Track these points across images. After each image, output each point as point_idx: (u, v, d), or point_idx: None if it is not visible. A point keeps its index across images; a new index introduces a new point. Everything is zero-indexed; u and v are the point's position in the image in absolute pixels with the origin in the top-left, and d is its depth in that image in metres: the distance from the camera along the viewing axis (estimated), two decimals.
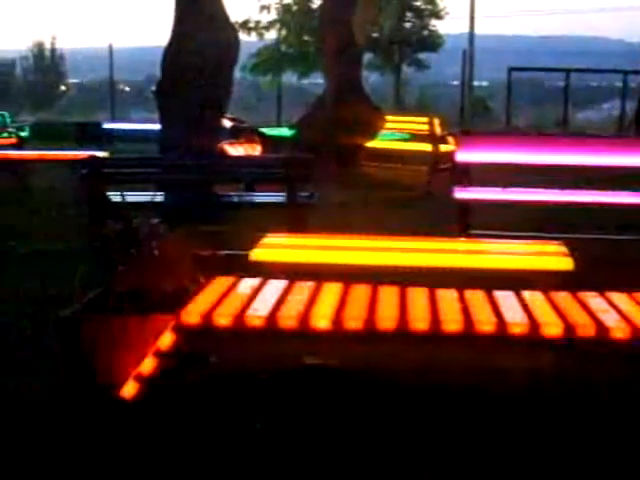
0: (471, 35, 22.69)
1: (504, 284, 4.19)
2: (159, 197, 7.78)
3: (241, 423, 3.77)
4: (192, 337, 3.76)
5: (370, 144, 13.90)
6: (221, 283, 4.17)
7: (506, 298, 3.96)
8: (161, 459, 3.48)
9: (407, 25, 33.38)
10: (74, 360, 4.07)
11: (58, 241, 7.64)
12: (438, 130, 13.66)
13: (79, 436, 3.66)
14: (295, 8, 31.87)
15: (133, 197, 6.94)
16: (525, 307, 3.81)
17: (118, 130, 16.45)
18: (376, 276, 4.48)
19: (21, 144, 13.61)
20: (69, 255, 6.96)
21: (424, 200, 10.40)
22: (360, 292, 4.05)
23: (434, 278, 4.51)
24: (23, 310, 5.54)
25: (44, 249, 7.37)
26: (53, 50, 44.71)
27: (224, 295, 3.98)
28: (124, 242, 4.22)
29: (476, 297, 3.97)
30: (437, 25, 33.53)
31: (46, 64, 44.21)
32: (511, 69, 19.61)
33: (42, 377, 4.34)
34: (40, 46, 44.41)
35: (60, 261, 6.81)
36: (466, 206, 7.42)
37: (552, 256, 4.97)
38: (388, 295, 4.00)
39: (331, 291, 4.06)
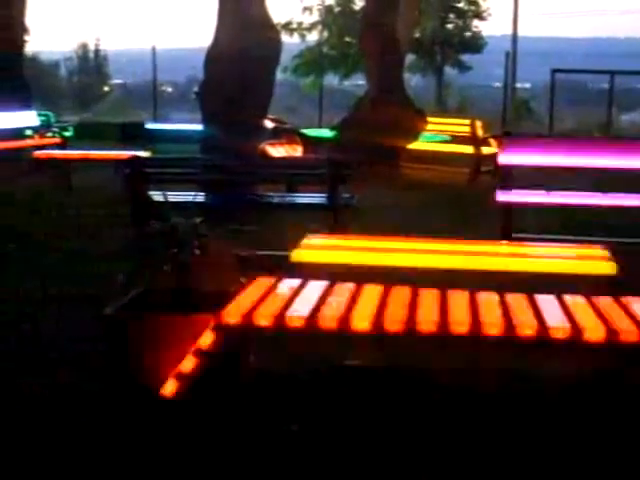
0: (514, 36, 22.55)
1: (546, 288, 4.16)
2: (200, 197, 7.82)
3: (278, 423, 3.78)
4: (232, 337, 3.78)
5: (411, 146, 13.86)
6: (262, 284, 4.19)
7: (548, 302, 3.93)
8: (199, 457, 3.50)
9: (449, 26, 33.26)
10: (116, 357, 4.11)
11: (101, 240, 7.72)
12: (480, 132, 13.59)
13: (120, 432, 3.70)
14: (337, 10, 31.89)
15: (175, 197, 6.98)
16: (567, 312, 3.78)
17: (160, 130, 16.52)
18: (417, 278, 4.47)
19: (65, 144, 13.74)
20: (111, 254, 7.03)
21: (465, 202, 10.34)
22: (401, 294, 4.04)
23: (476, 281, 4.49)
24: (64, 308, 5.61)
25: (86, 248, 7.44)
26: (97, 51, 45.17)
27: (264, 295, 3.99)
28: (166, 242, 4.24)
29: (517, 301, 3.95)
30: (480, 26, 33.42)
31: (90, 65, 44.68)
32: (554, 71, 19.43)
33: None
34: (84, 47, 44.90)
35: (103, 260, 6.87)
36: (508, 209, 7.38)
37: (595, 260, 4.92)
38: (429, 298, 3.99)
39: (372, 293, 4.06)
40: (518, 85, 23.59)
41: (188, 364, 3.75)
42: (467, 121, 13.86)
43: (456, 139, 14.11)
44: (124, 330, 4.02)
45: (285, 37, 26.99)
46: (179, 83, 44.41)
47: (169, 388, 3.76)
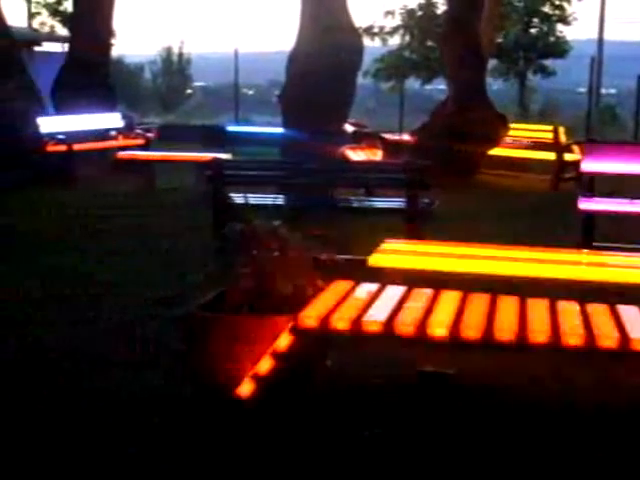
0: (600, 41, 22.09)
1: (627, 298, 4.08)
2: (280, 200, 7.87)
3: (353, 428, 3.78)
4: (309, 340, 3.80)
5: (492, 151, 13.71)
6: (339, 287, 4.20)
7: (630, 313, 3.85)
8: (273, 459, 3.52)
9: (533, 31, 32.80)
10: (193, 357, 4.16)
11: (182, 241, 7.83)
12: (563, 138, 13.37)
13: (196, 432, 3.74)
14: (419, 13, 31.73)
15: (255, 199, 7.05)
16: None
17: (242, 133, 16.65)
18: (495, 285, 4.44)
19: (148, 145, 13.98)
20: (192, 254, 7.13)
21: (546, 209, 10.21)
22: (479, 301, 4.01)
23: (555, 290, 4.42)
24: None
25: (167, 249, 7.56)
26: (180, 54, 45.74)
27: (342, 299, 4.00)
28: (245, 243, 4.28)
29: (598, 311, 3.88)
30: (564, 31, 32.88)
31: (174, 68, 45.26)
32: None
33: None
34: (168, 51, 45.52)
35: (183, 260, 6.98)
36: (590, 217, 7.26)
37: None
38: (507, 305, 3.95)
39: (449, 299, 4.04)
40: (603, 91, 23.13)
41: (264, 366, 3.78)
42: (550, 127, 13.66)
43: (538, 145, 13.91)
44: (202, 330, 4.07)
45: (367, 41, 26.95)
46: (260, 86, 44.72)
47: (245, 389, 3.80)
